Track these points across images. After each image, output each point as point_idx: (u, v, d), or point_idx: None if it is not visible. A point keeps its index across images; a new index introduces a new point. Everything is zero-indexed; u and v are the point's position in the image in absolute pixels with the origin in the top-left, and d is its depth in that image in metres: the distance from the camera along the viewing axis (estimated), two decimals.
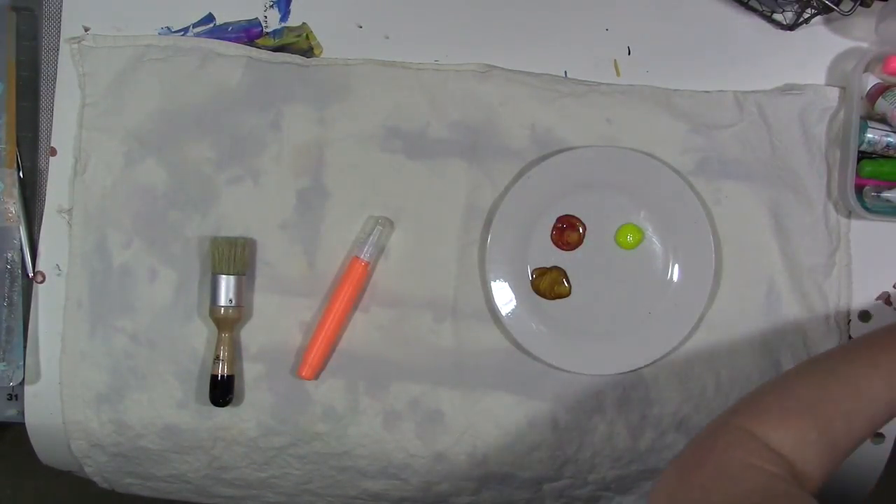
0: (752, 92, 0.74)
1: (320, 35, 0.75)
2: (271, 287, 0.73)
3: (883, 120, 0.72)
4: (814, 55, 0.75)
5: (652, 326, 0.73)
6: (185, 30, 0.75)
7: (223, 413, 0.73)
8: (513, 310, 0.73)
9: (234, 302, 0.71)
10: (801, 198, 0.74)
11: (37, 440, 0.75)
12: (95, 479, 0.77)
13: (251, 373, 0.73)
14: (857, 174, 0.72)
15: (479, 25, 0.75)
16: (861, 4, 0.70)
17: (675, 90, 0.75)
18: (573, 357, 0.73)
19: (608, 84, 0.75)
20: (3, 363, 0.73)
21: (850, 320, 0.75)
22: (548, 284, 0.73)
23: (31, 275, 0.74)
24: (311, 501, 0.77)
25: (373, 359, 0.73)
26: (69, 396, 0.73)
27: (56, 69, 0.74)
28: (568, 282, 0.74)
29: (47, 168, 0.74)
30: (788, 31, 0.75)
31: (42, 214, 0.74)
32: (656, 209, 0.73)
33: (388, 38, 0.75)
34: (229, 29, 0.75)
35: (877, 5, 0.72)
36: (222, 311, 0.71)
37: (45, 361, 0.74)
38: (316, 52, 0.75)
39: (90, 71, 0.73)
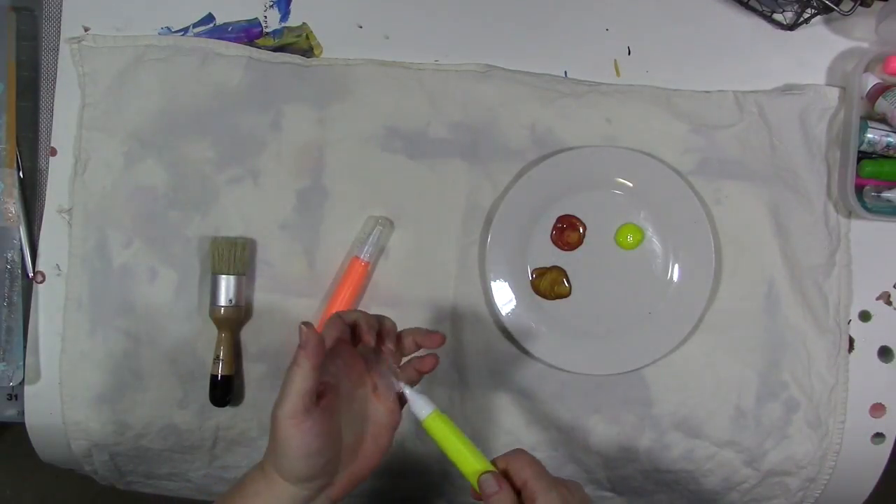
0: (752, 92, 0.74)
1: (320, 35, 0.75)
2: (271, 287, 0.73)
3: (883, 120, 0.72)
4: (814, 55, 0.75)
5: (652, 326, 0.73)
6: (185, 30, 0.75)
7: (223, 413, 0.73)
8: (513, 310, 0.73)
9: (234, 302, 0.71)
10: (801, 198, 0.74)
11: (37, 440, 0.75)
12: (96, 477, 0.77)
13: (251, 373, 0.73)
14: (857, 174, 0.72)
15: (479, 25, 0.75)
16: (861, 4, 0.70)
17: (675, 90, 0.75)
18: (573, 357, 0.73)
19: (608, 84, 0.75)
20: (3, 363, 0.73)
21: (850, 320, 0.75)
22: (548, 284, 0.73)
23: (31, 275, 0.74)
24: None
25: None
26: (69, 396, 0.73)
27: (56, 69, 0.74)
28: (568, 282, 0.74)
29: (47, 168, 0.74)
30: (788, 31, 0.75)
31: (42, 214, 0.74)
32: (656, 209, 0.73)
33: (388, 38, 0.75)
34: (229, 29, 0.75)
35: (877, 5, 0.72)
36: (222, 311, 0.71)
37: (45, 361, 0.74)
38: (316, 52, 0.75)
39: (90, 71, 0.73)
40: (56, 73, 0.74)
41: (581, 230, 0.74)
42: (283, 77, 0.74)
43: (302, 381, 0.51)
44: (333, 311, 0.71)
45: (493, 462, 0.53)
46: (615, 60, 0.76)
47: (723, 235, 0.74)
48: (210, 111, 0.73)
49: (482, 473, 0.52)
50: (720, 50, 0.75)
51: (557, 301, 0.74)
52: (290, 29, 0.75)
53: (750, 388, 0.73)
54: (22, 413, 0.74)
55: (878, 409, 0.74)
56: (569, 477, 0.74)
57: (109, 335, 0.73)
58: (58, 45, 0.74)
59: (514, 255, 0.73)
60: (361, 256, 0.72)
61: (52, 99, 0.74)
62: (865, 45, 0.75)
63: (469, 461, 0.53)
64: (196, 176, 0.73)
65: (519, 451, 0.53)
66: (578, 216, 0.74)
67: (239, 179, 0.73)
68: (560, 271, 0.74)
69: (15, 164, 0.74)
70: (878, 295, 0.75)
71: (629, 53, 0.75)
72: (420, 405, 0.56)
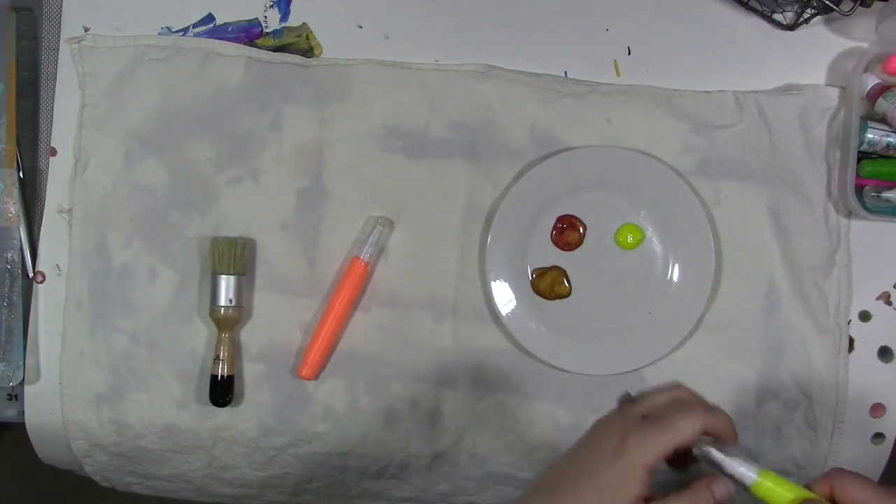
0: (752, 92, 0.74)
1: (320, 35, 0.75)
2: (271, 287, 0.73)
3: (883, 120, 0.72)
4: (814, 55, 0.75)
5: (652, 326, 0.73)
6: (185, 30, 0.75)
7: (223, 413, 0.73)
8: (513, 310, 0.73)
9: (234, 302, 0.71)
10: (801, 198, 0.74)
11: (37, 440, 0.75)
12: (96, 478, 0.77)
13: (251, 373, 0.73)
14: (857, 174, 0.72)
15: (479, 25, 0.75)
16: (861, 4, 0.70)
17: (675, 90, 0.75)
18: (573, 357, 0.73)
19: (608, 84, 0.75)
20: (3, 363, 0.73)
21: (850, 320, 0.75)
22: (548, 284, 0.73)
23: (31, 275, 0.74)
24: (311, 501, 0.77)
25: (373, 359, 0.73)
26: (69, 396, 0.73)
27: (56, 69, 0.74)
28: (568, 282, 0.74)
29: (47, 168, 0.74)
30: (788, 31, 0.75)
31: (42, 214, 0.74)
32: (656, 209, 0.73)
33: (388, 38, 0.75)
34: (229, 29, 0.75)
35: (877, 5, 0.72)
36: (222, 311, 0.71)
37: (45, 361, 0.74)
38: (316, 52, 0.75)
39: (90, 71, 0.73)
40: (56, 73, 0.74)
41: (581, 230, 0.74)
42: (283, 77, 0.74)
43: (688, 434, 0.47)
44: (334, 311, 0.72)
45: (809, 487, 0.48)
46: (615, 60, 0.76)
47: (723, 235, 0.74)
48: (210, 111, 0.73)
49: (802, 501, 0.46)
50: (720, 50, 0.75)
51: (557, 301, 0.74)
52: (290, 29, 0.75)
53: (750, 388, 0.73)
54: (22, 413, 0.74)
55: (878, 410, 0.74)
56: None
57: (109, 335, 0.73)
58: (58, 45, 0.74)
59: (514, 255, 0.73)
60: (361, 256, 0.72)
61: (52, 99, 0.74)
62: (865, 45, 0.75)
63: (781, 496, 0.47)
64: (196, 176, 0.73)
65: (841, 472, 0.48)
66: (578, 216, 0.74)
67: (239, 179, 0.73)
68: (560, 271, 0.74)
69: (15, 164, 0.74)
70: (878, 295, 0.75)
71: (629, 53, 0.75)
72: (744, 472, 0.48)
